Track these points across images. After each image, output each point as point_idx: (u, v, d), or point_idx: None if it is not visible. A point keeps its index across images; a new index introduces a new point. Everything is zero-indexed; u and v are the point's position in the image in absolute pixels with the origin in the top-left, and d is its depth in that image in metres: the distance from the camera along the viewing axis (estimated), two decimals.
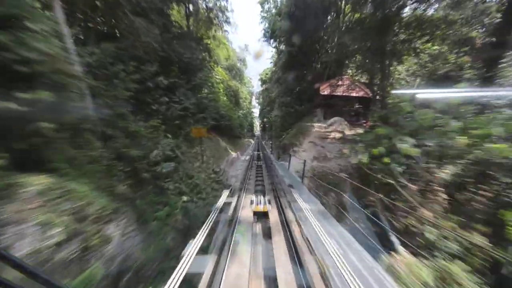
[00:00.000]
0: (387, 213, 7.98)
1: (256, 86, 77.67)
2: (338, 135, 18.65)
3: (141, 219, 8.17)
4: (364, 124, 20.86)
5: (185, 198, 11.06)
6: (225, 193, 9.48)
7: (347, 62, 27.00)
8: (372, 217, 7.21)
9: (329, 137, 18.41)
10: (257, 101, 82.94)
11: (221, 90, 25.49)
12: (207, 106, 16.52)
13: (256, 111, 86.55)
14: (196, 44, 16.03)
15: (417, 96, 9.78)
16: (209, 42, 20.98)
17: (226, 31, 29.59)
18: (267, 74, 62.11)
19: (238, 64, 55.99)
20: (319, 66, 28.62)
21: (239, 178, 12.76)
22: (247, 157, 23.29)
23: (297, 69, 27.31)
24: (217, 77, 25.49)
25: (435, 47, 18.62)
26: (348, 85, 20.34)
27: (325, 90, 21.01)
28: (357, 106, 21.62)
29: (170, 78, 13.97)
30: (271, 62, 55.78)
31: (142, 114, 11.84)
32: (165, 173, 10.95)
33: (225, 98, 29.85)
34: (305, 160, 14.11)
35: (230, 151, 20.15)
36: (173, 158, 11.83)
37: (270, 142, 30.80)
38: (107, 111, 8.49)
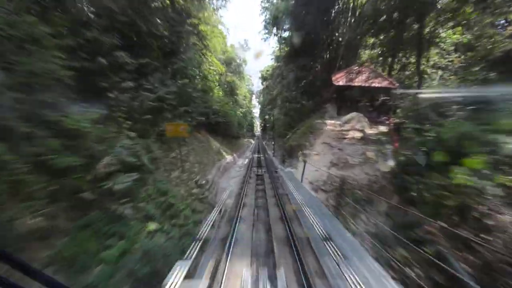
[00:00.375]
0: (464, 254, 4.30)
1: (256, 86, 74.53)
2: (357, 134, 15.01)
3: (77, 265, 4.75)
4: (387, 122, 17.17)
5: (152, 226, 7.39)
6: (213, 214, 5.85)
7: (361, 49, 23.41)
8: (437, 261, 3.48)
9: (347, 137, 14.77)
10: (257, 100, 79.87)
11: (215, 82, 21.89)
12: (193, 97, 12.92)
13: (256, 111, 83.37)
14: (179, 17, 12.39)
15: None
16: (201, 26, 17.40)
17: (222, 16, 26.10)
18: (268, 70, 58.75)
19: (238, 60, 52.39)
20: (327, 56, 25.00)
21: (227, 205, 8.52)
22: (246, 161, 19.65)
23: (303, 58, 23.70)
24: (211, 68, 21.89)
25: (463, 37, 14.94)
26: (369, 73, 16.69)
27: (339, 80, 17.37)
28: (383, 98, 17.86)
29: (140, 58, 10.39)
30: (272, 59, 52.38)
31: (95, 104, 8.21)
32: (122, 190, 7.29)
33: (221, 93, 26.27)
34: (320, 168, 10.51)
35: (224, 154, 16.58)
36: (137, 168, 8.17)
37: (272, 143, 27.19)
38: (20, 95, 4.99)
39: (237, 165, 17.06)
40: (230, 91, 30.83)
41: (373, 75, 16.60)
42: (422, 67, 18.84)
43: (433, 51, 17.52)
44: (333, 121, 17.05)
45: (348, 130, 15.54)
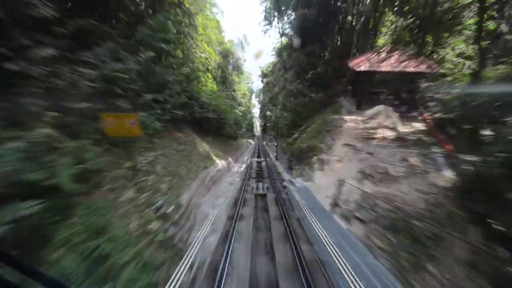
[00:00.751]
0: None
1: (256, 86, 71.32)
2: (389, 133, 11.39)
3: None
4: (421, 117, 13.53)
5: None
6: None
7: (379, 34, 19.77)
8: None
9: (376, 136, 11.14)
10: (257, 99, 76.58)
11: (207, 73, 18.26)
12: (168, 82, 9.26)
13: (256, 111, 79.96)
14: None
15: None
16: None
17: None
18: (268, 67, 55.35)
19: (236, 55, 48.69)
20: (339, 41, 21.36)
21: (205, 254, 4.80)
22: (243, 167, 15.95)
23: (311, 45, 20.06)
24: (202, 55, 18.25)
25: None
26: (400, 55, 13.01)
27: (361, 65, 13.70)
28: (415, 87, 14.09)
29: (80, 19, 6.79)
30: (272, 55, 49.10)
31: None
32: (12, 232, 3.62)
33: (215, 87, 22.61)
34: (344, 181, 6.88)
35: (215, 159, 12.95)
36: (48, 190, 4.50)
37: (275, 144, 23.52)
38: None
39: (231, 173, 13.38)
40: (223, 81, 27.13)
41: (406, 58, 12.94)
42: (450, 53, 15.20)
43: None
44: (353, 117, 13.42)
45: (375, 128, 11.90)
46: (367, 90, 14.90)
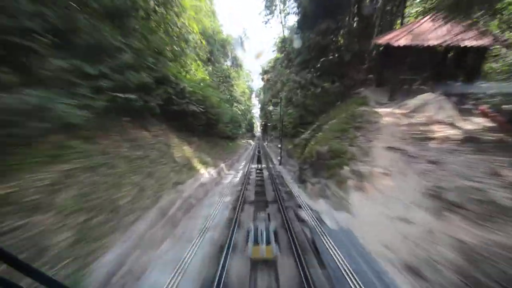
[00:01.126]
0: None
1: (257, 86, 68.20)
2: (450, 131, 7.73)
3: None
4: (478, 110, 9.74)
5: None
6: None
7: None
8: None
9: (434, 136, 7.47)
10: (257, 98, 73.41)
11: (188, 51, 14.63)
12: (112, 48, 5.65)
13: (256, 111, 76.64)
14: None
15: None
16: None
17: None
18: (269, 62, 52.02)
19: (233, 49, 45.17)
20: (355, 22, 17.69)
21: None
22: (238, 177, 12.31)
23: (321, 26, 16.41)
24: (189, 37, 14.69)
25: None
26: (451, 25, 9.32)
27: (400, 39, 9.99)
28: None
29: None
30: (274, 51, 45.87)
31: None
32: None
33: (207, 77, 19.05)
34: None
35: (198, 167, 9.29)
36: None
37: (278, 145, 19.86)
38: None
39: (221, 189, 9.68)
40: (210, 61, 23.52)
41: (460, 29, 9.29)
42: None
43: None
44: (388, 110, 9.80)
45: (427, 124, 8.24)
46: (404, 75, 11.20)
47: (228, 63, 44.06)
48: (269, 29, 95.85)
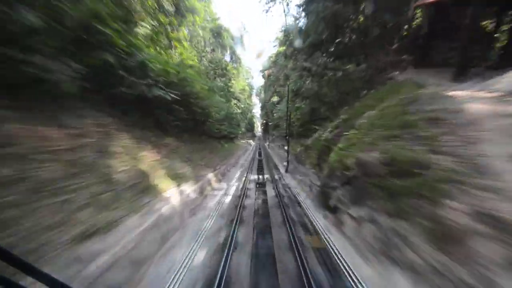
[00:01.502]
0: None
1: (257, 85, 65.09)
2: None
3: None
4: None
5: None
6: None
7: None
8: None
9: None
10: (258, 98, 70.28)
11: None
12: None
13: (257, 111, 73.31)
14: None
15: None
16: None
17: None
18: (271, 57, 48.67)
19: (233, 39, 41.25)
20: None
21: None
22: (228, 198, 8.59)
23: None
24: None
25: None
26: None
27: None
28: None
29: None
30: (274, 46, 42.57)
31: None
32: None
33: (195, 61, 15.45)
34: None
35: (158, 188, 5.74)
36: None
37: (283, 146, 16.16)
38: None
39: (197, 226, 5.93)
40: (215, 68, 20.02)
41: None
42: None
43: None
44: (467, 92, 6.19)
45: None
46: (472, 48, 7.50)
47: (227, 58, 40.56)
48: (269, 26, 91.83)
